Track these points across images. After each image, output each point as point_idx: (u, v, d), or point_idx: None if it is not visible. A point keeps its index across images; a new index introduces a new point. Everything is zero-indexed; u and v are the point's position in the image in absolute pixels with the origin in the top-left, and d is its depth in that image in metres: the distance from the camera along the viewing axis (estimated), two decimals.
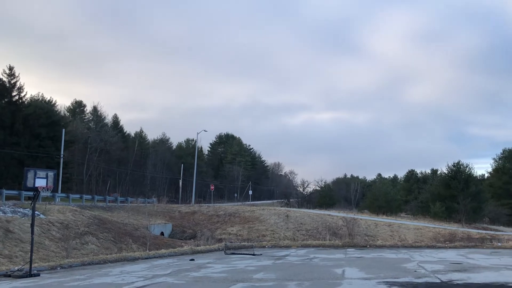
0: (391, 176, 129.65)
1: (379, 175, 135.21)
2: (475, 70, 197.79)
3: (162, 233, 34.88)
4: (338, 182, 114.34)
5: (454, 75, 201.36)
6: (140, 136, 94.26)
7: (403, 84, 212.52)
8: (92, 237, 23.27)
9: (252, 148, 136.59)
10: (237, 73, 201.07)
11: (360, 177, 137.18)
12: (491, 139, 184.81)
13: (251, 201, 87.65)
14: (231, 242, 26.79)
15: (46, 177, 13.15)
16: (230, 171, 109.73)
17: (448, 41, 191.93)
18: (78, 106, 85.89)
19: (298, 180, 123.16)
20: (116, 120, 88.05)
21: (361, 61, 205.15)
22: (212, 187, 76.91)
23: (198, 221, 40.02)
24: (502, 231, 45.74)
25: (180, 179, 75.56)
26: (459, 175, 56.23)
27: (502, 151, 77.18)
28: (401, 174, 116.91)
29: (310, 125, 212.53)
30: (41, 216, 23.50)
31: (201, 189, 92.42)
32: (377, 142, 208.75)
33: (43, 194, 14.29)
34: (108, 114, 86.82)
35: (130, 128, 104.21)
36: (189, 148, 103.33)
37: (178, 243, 29.15)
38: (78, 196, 45.01)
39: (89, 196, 45.34)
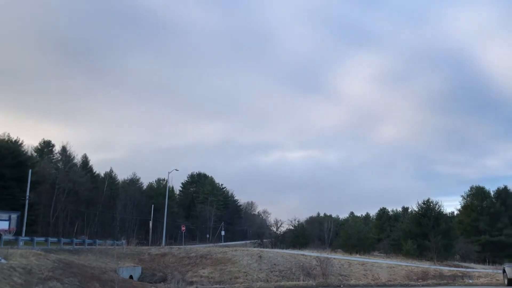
0: (364, 214, 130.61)
1: (352, 213, 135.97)
2: (439, 110, 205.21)
3: (131, 277, 33.64)
4: (312, 221, 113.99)
5: (420, 115, 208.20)
6: (110, 176, 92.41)
7: (372, 123, 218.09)
8: (57, 282, 22.19)
9: (225, 188, 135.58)
10: (209, 113, 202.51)
11: (333, 216, 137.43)
12: (458, 177, 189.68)
13: (224, 242, 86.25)
14: (203, 285, 26.07)
15: (9, 219, 12.68)
16: (202, 211, 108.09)
17: (413, 83, 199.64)
18: (46, 146, 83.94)
19: (271, 219, 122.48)
20: (85, 160, 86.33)
21: (332, 102, 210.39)
22: (184, 228, 75.38)
23: (169, 264, 38.88)
24: (473, 268, 46.14)
25: (150, 220, 73.83)
26: (429, 213, 56.95)
27: (470, 189, 78.89)
28: (373, 212, 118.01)
29: (283, 163, 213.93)
30: (2, 261, 22.36)
31: (172, 230, 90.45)
32: (348, 180, 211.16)
33: (5, 237, 13.71)
34: (77, 154, 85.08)
35: (99, 168, 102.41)
36: (160, 188, 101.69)
37: (148, 286, 28.14)
38: (43, 239, 43.08)
39: (55, 239, 43.50)
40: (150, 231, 74.15)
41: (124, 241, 52.91)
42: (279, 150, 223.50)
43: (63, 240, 43.02)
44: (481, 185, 78.82)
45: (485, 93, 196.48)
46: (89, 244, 45.26)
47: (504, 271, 31.46)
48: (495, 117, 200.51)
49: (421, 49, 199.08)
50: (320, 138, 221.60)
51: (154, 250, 44.99)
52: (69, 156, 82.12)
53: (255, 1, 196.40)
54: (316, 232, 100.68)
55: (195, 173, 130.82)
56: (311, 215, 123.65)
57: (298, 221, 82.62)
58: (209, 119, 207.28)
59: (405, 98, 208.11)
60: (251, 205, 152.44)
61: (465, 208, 78.24)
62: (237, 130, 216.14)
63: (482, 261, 59.10)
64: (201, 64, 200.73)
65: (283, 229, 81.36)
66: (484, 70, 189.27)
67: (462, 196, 79.38)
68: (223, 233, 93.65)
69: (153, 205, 78.16)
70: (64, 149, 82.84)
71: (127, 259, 37.05)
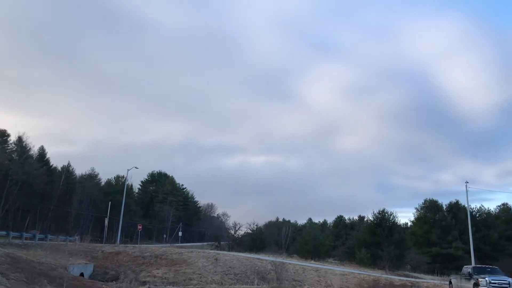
0: (321, 221, 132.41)
1: (310, 219, 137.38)
2: (398, 124, 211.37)
3: (82, 274, 32.80)
4: (270, 225, 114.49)
5: (380, 128, 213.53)
6: (67, 170, 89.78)
7: (334, 132, 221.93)
8: (2, 277, 21.39)
9: (185, 188, 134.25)
10: (173, 113, 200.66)
11: (291, 221, 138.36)
12: (413, 190, 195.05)
13: (181, 243, 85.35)
14: (156, 286, 25.75)
15: None
16: (160, 211, 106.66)
17: (375, 97, 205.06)
18: (1, 136, 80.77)
19: (230, 222, 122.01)
20: (42, 153, 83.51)
21: (296, 109, 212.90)
22: (140, 227, 74.18)
23: (122, 262, 38.18)
24: (423, 278, 47.59)
25: (106, 217, 72.24)
26: (384, 223, 58.38)
27: (423, 201, 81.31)
28: (330, 219, 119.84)
29: (245, 167, 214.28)
30: None
31: (129, 229, 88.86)
32: (309, 187, 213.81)
33: None
34: (34, 146, 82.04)
35: (57, 162, 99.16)
36: (118, 185, 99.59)
37: (99, 285, 27.51)
38: None
39: (4, 232, 41.91)
40: (106, 228, 72.59)
41: (77, 238, 51.57)
42: (242, 154, 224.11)
43: (12, 234, 41.53)
44: (434, 198, 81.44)
45: (442, 111, 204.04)
46: (40, 239, 43.90)
47: (450, 282, 32.95)
48: (450, 134, 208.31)
49: (383, 64, 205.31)
50: (283, 144, 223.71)
51: (108, 248, 44.08)
52: (25, 147, 79.18)
53: (227, 6, 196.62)
54: (274, 237, 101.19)
55: (155, 172, 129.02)
56: (270, 220, 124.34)
57: (256, 225, 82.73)
58: (173, 118, 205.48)
59: (367, 111, 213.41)
60: (211, 207, 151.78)
61: (418, 220, 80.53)
62: (201, 131, 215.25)
63: (432, 272, 60.97)
64: (168, 63, 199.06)
65: (241, 232, 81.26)
66: (442, 88, 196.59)
67: (416, 208, 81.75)
68: (180, 234, 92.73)
69: (110, 202, 76.48)
70: (19, 139, 79.83)
71: (79, 256, 36.13)
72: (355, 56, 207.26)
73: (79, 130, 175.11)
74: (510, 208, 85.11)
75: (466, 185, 53.22)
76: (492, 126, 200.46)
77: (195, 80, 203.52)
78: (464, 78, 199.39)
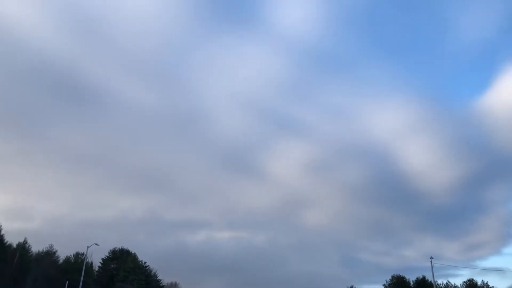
0: None
1: None
2: (362, 200, 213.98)
3: None
4: None
5: (344, 204, 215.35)
6: (22, 247, 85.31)
7: (299, 207, 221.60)
8: None
9: (148, 266, 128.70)
10: (136, 187, 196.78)
11: None
12: (380, 265, 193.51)
13: None
14: None
15: None
16: None
17: (338, 173, 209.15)
18: None
19: None
20: None
21: (260, 184, 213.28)
22: None
23: None
24: None
25: None
26: None
27: (391, 277, 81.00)
28: None
29: (210, 243, 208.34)
30: None
31: None
32: (274, 263, 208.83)
33: None
34: None
35: (13, 238, 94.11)
36: (78, 263, 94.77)
37: None
38: None
39: None
40: None
41: None
42: (207, 229, 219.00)
43: None
44: (401, 274, 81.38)
45: (403, 187, 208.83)
46: None
47: None
48: (412, 210, 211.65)
49: (344, 142, 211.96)
50: (248, 219, 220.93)
51: None
52: None
53: (193, 84, 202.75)
54: None
55: (117, 248, 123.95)
56: None
57: None
58: (136, 193, 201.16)
59: (331, 187, 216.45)
60: (174, 285, 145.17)
61: None
62: (164, 205, 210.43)
63: None
64: (132, 138, 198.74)
65: None
66: (402, 166, 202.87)
67: (384, 285, 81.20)
68: None
69: (67, 282, 72.36)
70: None
71: None
72: (317, 134, 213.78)
73: (37, 205, 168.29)
74: (476, 284, 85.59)
75: (431, 261, 53.84)
76: (451, 202, 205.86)
77: (159, 154, 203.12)
78: (421, 155, 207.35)
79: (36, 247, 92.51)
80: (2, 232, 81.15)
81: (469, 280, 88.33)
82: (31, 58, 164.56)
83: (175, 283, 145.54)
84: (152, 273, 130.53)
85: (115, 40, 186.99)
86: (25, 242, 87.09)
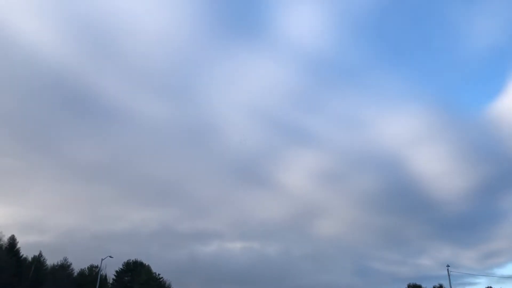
0: None
1: None
2: (375, 209, 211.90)
3: None
4: None
5: (357, 213, 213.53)
6: (38, 261, 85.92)
7: (311, 217, 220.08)
8: None
9: (162, 278, 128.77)
10: (149, 199, 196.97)
11: None
12: (394, 275, 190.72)
13: None
14: None
15: None
16: None
17: (350, 183, 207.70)
18: None
19: None
20: (12, 243, 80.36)
21: (272, 194, 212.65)
22: None
23: None
24: None
25: None
26: None
27: (407, 286, 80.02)
28: None
29: (222, 254, 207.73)
30: None
31: None
32: (286, 273, 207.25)
33: None
34: (4, 236, 79.16)
35: (28, 252, 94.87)
36: (92, 276, 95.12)
37: None
38: None
39: None
40: None
41: None
42: (219, 240, 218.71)
43: None
44: (417, 283, 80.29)
45: (417, 196, 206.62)
46: None
47: None
48: (426, 219, 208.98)
49: (356, 151, 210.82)
50: (261, 229, 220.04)
51: None
52: None
53: (205, 96, 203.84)
54: None
55: (131, 260, 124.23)
56: None
57: None
58: (149, 205, 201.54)
59: (343, 196, 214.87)
60: None
61: None
62: (177, 217, 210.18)
63: None
64: (144, 151, 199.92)
65: None
66: (415, 174, 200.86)
67: None
68: None
69: None
70: None
71: None
72: (328, 143, 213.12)
73: (52, 219, 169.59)
74: None
75: (447, 269, 53.05)
76: (466, 210, 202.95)
77: (171, 167, 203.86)
78: (434, 163, 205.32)
79: (50, 260, 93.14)
80: (18, 246, 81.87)
81: None
82: (44, 74, 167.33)
83: None
84: (166, 284, 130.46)
85: (128, 55, 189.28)
86: (40, 255, 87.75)
